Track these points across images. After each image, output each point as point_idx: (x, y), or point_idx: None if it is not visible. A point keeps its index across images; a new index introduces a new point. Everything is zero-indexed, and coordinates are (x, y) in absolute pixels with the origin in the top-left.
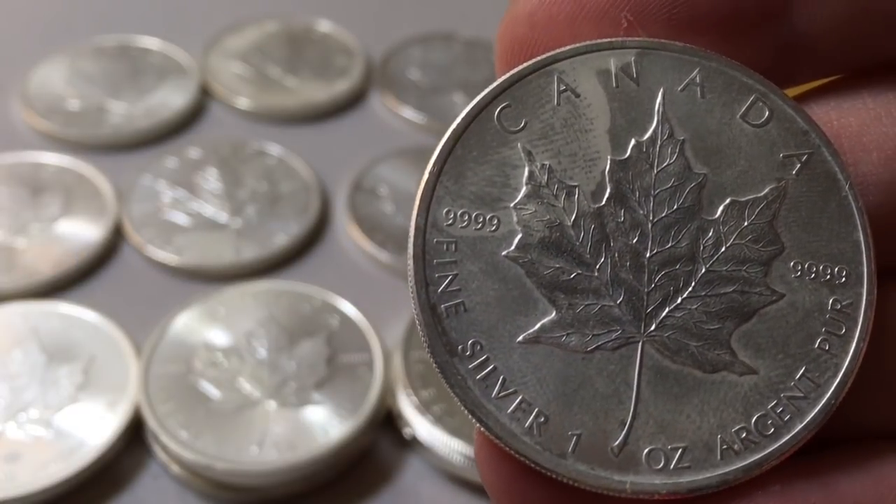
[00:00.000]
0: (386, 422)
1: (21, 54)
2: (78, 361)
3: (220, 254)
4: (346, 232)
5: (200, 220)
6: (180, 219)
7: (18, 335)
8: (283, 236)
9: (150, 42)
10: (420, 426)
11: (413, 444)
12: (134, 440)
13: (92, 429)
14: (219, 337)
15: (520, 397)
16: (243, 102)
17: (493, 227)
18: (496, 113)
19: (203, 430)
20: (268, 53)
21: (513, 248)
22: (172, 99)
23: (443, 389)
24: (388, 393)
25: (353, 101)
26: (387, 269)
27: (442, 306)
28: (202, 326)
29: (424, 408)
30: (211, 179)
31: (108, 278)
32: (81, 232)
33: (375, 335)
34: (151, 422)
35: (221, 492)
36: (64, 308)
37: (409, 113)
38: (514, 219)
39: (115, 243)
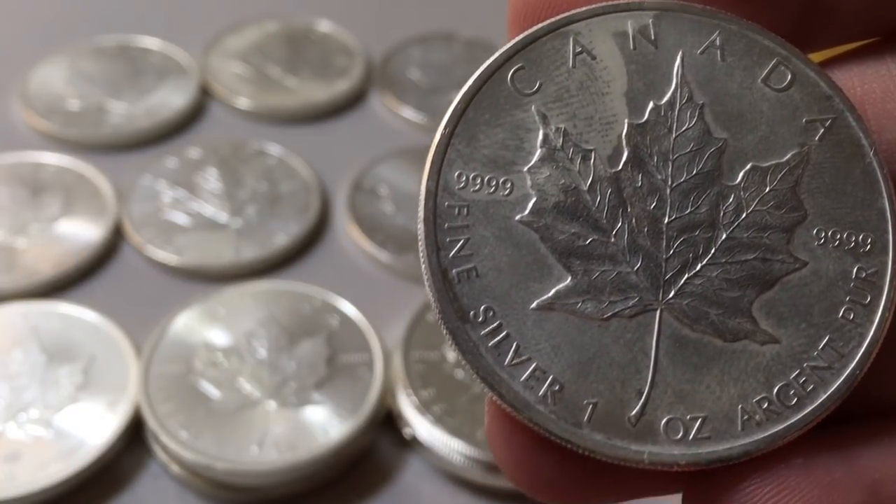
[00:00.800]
0: (386, 422)
1: (21, 54)
2: (78, 361)
3: (220, 254)
4: (346, 232)
5: (200, 220)
6: (180, 219)
7: (18, 335)
8: (283, 236)
9: (150, 42)
10: (420, 426)
11: (413, 444)
12: (134, 440)
13: (92, 429)
14: (219, 337)
15: (534, 365)
16: (243, 102)
17: (507, 191)
18: (510, 75)
19: (203, 430)
20: (268, 53)
21: (527, 212)
22: (172, 99)
23: (443, 389)
24: (388, 393)
25: (353, 101)
26: (387, 269)
27: (453, 271)
28: (202, 326)
29: (424, 408)
30: (211, 179)
31: (108, 278)
32: (81, 232)
33: (375, 335)
34: (151, 422)
35: (221, 492)
36: (64, 308)
37: (409, 113)
38: (528, 183)
39: (115, 243)
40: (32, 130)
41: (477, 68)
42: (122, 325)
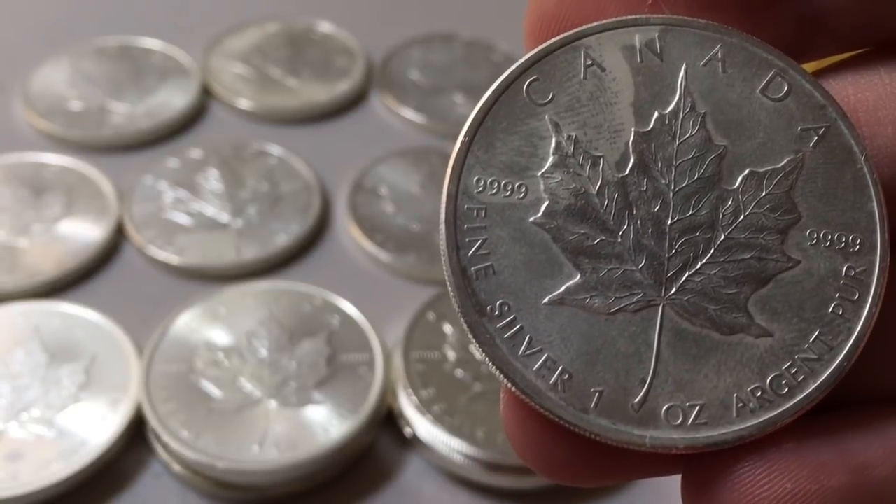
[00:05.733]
0: (386, 421)
1: (23, 55)
2: (80, 361)
3: (222, 254)
4: (347, 232)
5: (202, 221)
6: (182, 219)
7: (20, 335)
8: (283, 236)
9: (152, 43)
10: (420, 425)
11: (413, 443)
12: (135, 439)
13: (94, 428)
14: (220, 336)
15: (545, 355)
16: (244, 103)
17: (522, 195)
18: (525, 86)
19: (204, 429)
20: (268, 54)
21: (540, 214)
22: (174, 99)
23: (443, 389)
24: (388, 392)
25: (353, 102)
26: (387, 269)
27: (472, 269)
28: (203, 326)
29: (424, 407)
30: (212, 180)
31: (110, 278)
32: (83, 232)
33: (376, 335)
34: (153, 421)
35: (222, 491)
36: (66, 308)
37: (409, 113)
38: (542, 187)
39: (116, 243)
40: (34, 131)
41: (478, 69)
42: (124, 324)
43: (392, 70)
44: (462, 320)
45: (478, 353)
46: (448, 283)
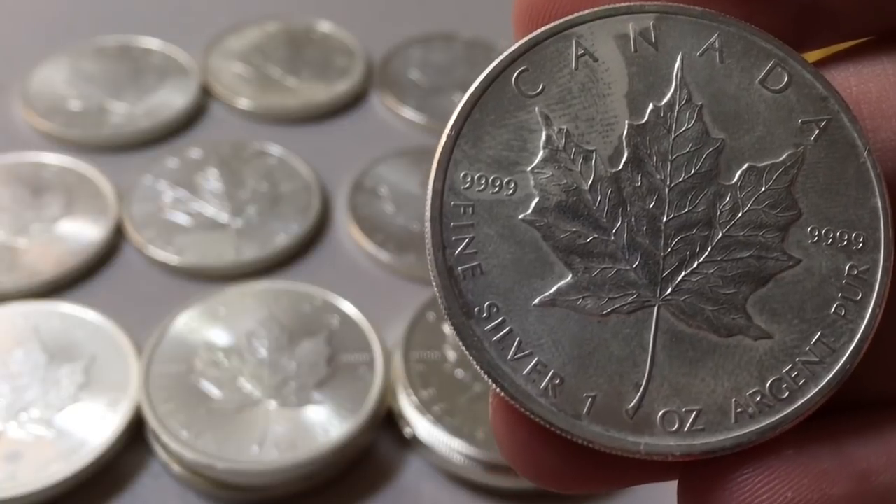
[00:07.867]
0: (386, 421)
1: (22, 54)
2: (79, 361)
3: (221, 254)
4: (347, 232)
5: (201, 220)
6: (181, 219)
7: (20, 335)
8: (283, 236)
9: (151, 42)
10: (420, 426)
11: (413, 443)
12: (135, 440)
13: (93, 428)
14: (219, 337)
15: (535, 359)
16: (244, 103)
17: (510, 191)
18: (514, 77)
19: (204, 429)
20: (268, 54)
21: (529, 211)
22: (173, 99)
23: (443, 389)
24: (388, 393)
25: (353, 102)
26: (387, 269)
27: (459, 269)
28: (203, 326)
29: (424, 407)
30: (212, 179)
31: (109, 278)
32: (82, 232)
33: (376, 335)
34: (152, 421)
35: (222, 491)
36: (65, 308)
37: (409, 113)
38: (531, 183)
39: (116, 243)
40: (33, 130)
41: (479, 69)
42: (123, 324)
43: (392, 70)
44: (448, 322)
45: (466, 357)
46: (434, 284)
